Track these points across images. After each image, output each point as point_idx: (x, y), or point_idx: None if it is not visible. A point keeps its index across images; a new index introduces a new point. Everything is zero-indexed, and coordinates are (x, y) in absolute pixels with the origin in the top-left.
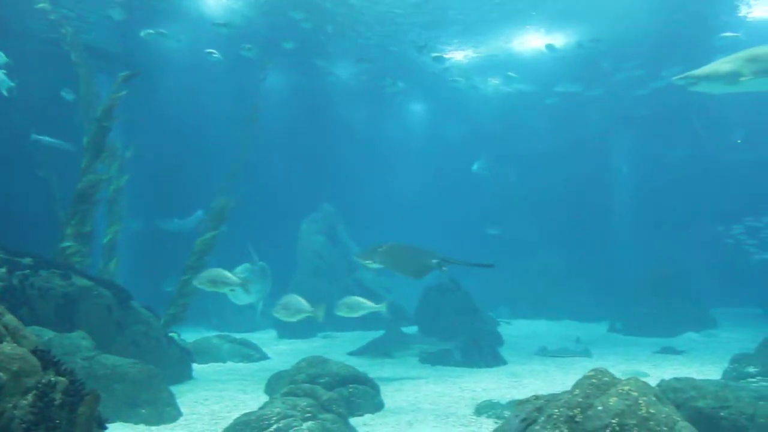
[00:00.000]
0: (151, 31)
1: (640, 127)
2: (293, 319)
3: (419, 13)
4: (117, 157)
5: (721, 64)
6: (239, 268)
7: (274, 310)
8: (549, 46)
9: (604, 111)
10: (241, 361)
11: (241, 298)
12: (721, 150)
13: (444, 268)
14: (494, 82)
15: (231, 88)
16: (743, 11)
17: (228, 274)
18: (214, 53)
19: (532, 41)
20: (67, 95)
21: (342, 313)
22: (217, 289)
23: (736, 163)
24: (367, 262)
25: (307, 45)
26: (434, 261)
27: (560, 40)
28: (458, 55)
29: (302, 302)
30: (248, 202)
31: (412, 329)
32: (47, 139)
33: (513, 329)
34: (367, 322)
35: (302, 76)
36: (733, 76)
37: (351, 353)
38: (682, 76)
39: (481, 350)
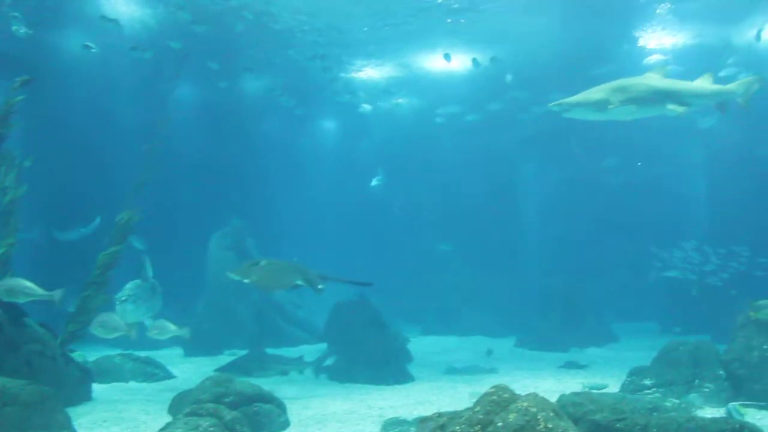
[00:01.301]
0: (14, 27)
1: (542, 147)
2: (109, 336)
3: (322, 30)
4: (14, 167)
5: (592, 93)
6: (129, 285)
7: (92, 326)
8: (446, 56)
9: (508, 130)
10: (145, 381)
11: (130, 316)
12: (605, 172)
13: (321, 286)
14: (399, 101)
15: (140, 97)
16: (641, 42)
17: (29, 284)
18: (92, 47)
19: (433, 62)
20: None
21: (153, 335)
22: (17, 299)
23: (631, 183)
24: (245, 279)
25: (214, 56)
26: (313, 278)
27: (463, 62)
28: (362, 74)
29: (118, 320)
30: (156, 216)
31: (321, 346)
32: None
33: (423, 345)
34: (275, 339)
35: (212, 88)
36: (602, 104)
37: (215, 371)
38: (557, 102)
39: (389, 366)
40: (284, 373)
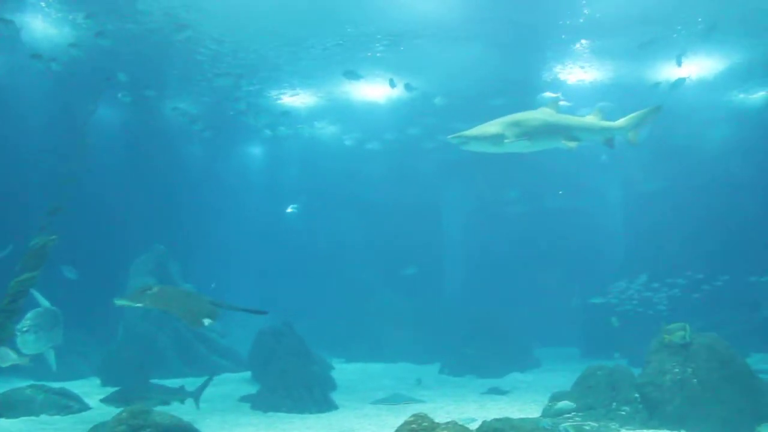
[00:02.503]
0: None
1: (463, 175)
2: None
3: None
4: None
5: (489, 127)
6: (29, 314)
7: None
8: (349, 73)
9: (430, 158)
10: (58, 414)
11: (31, 348)
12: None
13: (215, 314)
14: (328, 129)
15: (57, 118)
16: (562, 76)
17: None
18: None
19: (354, 91)
20: None
21: None
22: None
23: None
24: (136, 303)
25: (142, 79)
26: (206, 305)
27: (384, 91)
28: (285, 100)
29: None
30: (74, 240)
31: (245, 374)
32: None
33: (347, 372)
34: (197, 368)
35: (137, 111)
36: (498, 138)
37: (102, 400)
38: (455, 135)
39: (312, 395)
40: (165, 402)
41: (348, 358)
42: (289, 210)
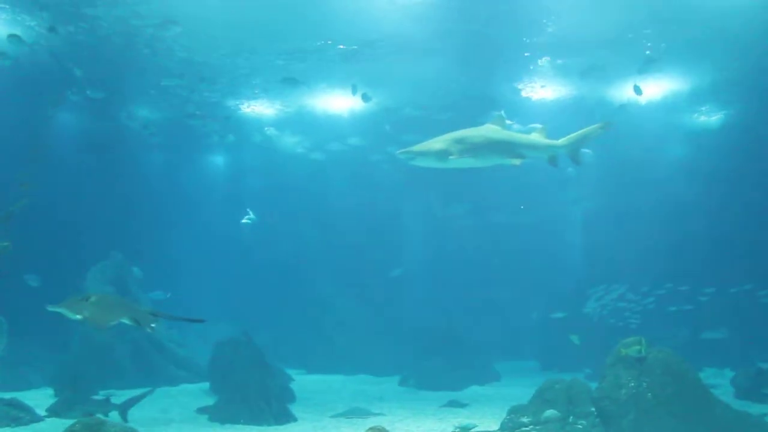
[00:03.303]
0: None
1: (424, 189)
2: None
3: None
4: None
5: (434, 143)
6: None
7: None
8: (287, 80)
9: (391, 171)
10: (8, 425)
11: None
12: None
13: (153, 324)
14: (292, 140)
15: (15, 123)
16: (525, 93)
17: None
18: None
19: (316, 101)
20: None
21: None
22: None
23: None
24: (76, 315)
25: (98, 83)
26: (144, 315)
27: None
28: (248, 109)
29: None
30: (30, 247)
31: (204, 385)
32: None
33: (307, 384)
34: (152, 379)
35: (95, 116)
36: (443, 154)
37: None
38: (403, 150)
39: (271, 407)
40: (89, 414)
41: (308, 370)
42: (244, 221)
